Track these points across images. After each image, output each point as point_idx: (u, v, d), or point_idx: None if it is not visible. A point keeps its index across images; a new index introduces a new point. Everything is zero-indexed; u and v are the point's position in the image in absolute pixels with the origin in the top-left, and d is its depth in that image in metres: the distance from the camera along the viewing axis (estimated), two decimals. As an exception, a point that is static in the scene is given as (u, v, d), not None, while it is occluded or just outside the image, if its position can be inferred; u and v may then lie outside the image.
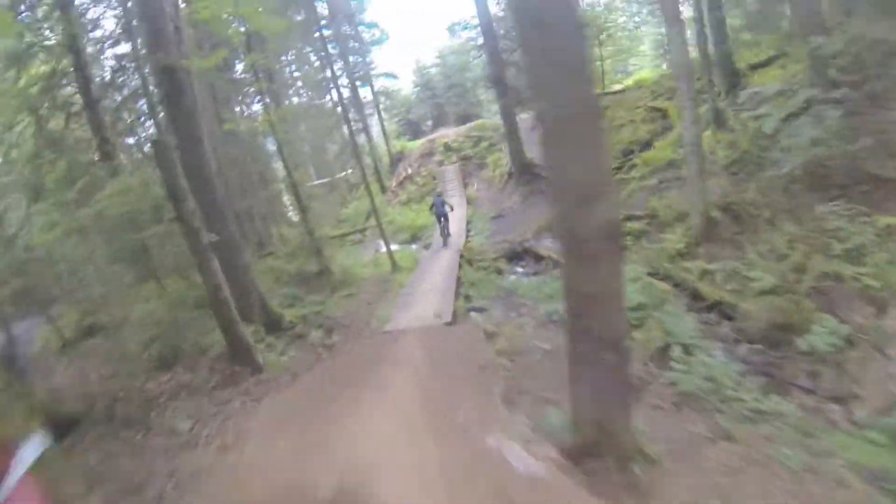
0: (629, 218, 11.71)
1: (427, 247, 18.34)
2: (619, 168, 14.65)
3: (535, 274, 12.75)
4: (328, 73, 24.50)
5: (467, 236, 17.15)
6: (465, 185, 22.71)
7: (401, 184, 26.76)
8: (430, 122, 39.58)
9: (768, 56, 13.71)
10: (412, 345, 8.27)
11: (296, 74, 34.28)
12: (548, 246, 13.74)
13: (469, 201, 21.11)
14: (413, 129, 38.50)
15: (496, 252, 14.76)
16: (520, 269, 13.56)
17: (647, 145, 15.55)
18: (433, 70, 38.44)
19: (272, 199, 24.04)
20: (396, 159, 30.88)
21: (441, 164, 24.80)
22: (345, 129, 35.06)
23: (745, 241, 8.71)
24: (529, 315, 9.66)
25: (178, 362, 9.25)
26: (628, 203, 13.02)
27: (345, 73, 27.81)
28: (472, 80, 36.50)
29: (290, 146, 29.64)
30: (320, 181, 35.22)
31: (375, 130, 33.52)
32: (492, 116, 29.07)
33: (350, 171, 37.47)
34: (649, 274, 9.32)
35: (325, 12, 27.83)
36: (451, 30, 27.80)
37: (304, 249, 15.93)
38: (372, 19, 31.24)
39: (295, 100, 35.62)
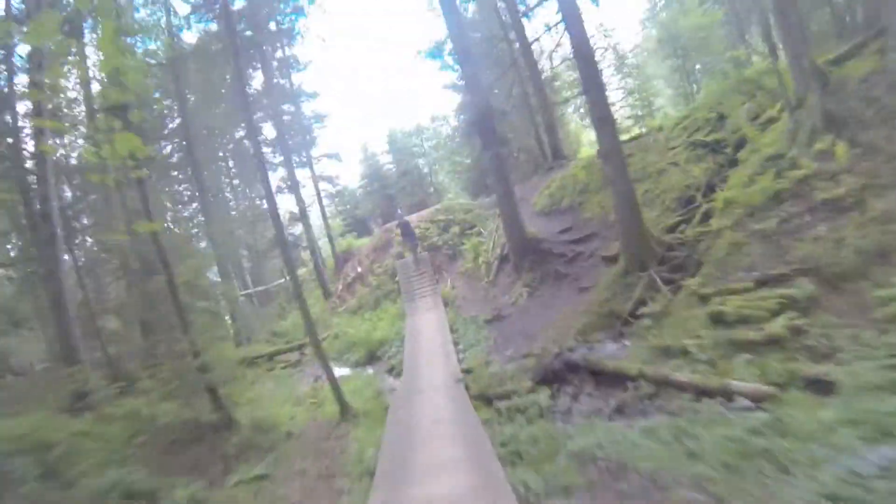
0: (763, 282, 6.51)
1: (394, 372, 12.09)
2: (684, 220, 11.12)
3: (617, 412, 6.87)
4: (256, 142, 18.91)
5: (459, 356, 11.07)
6: (437, 282, 16.93)
7: (349, 287, 20.69)
8: (379, 219, 34.63)
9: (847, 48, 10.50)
10: None
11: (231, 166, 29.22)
12: (614, 355, 8.13)
13: (446, 302, 15.23)
14: (360, 227, 33.25)
15: (518, 374, 8.88)
16: (578, 404, 7.66)
17: (710, 188, 11.42)
18: (381, 158, 34.18)
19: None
20: (342, 259, 25.07)
21: (401, 256, 19.14)
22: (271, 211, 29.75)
23: None
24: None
25: None
26: (731, 262, 8.58)
27: (279, 148, 22.56)
28: (427, 163, 32.39)
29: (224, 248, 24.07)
30: (255, 289, 29.61)
31: (317, 224, 27.89)
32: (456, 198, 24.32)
33: (288, 277, 31.78)
34: None
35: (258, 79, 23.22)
36: (424, 55, 22.83)
37: (186, 384, 9.32)
38: (313, 89, 26.85)
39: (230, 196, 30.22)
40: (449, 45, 18.40)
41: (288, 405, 12.13)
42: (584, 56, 10.77)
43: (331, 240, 27.17)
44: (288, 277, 33.23)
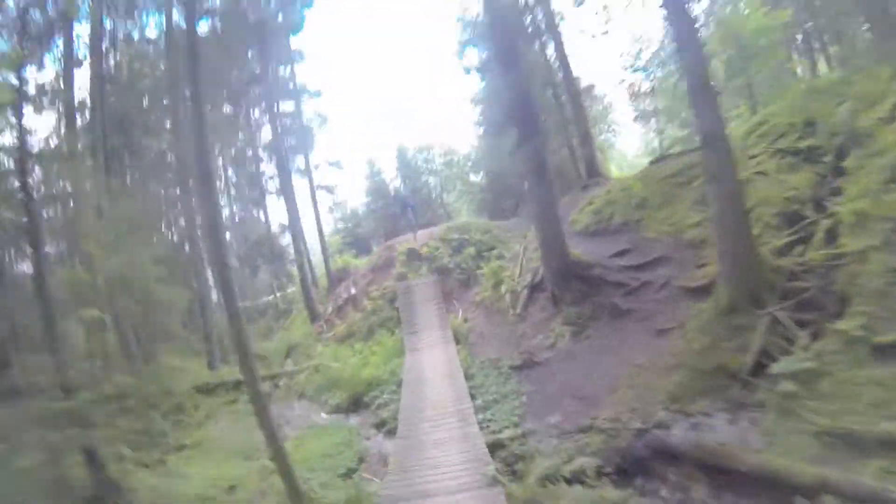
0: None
1: (385, 428, 8.82)
2: (798, 240, 7.92)
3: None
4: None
5: (479, 417, 7.74)
6: (447, 311, 13.65)
7: (339, 310, 17.39)
8: (382, 240, 31.52)
9: None
10: None
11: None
12: (740, 441, 5.03)
13: (457, 337, 11.93)
14: (361, 247, 30.10)
15: (571, 459, 5.63)
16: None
17: (819, 203, 8.31)
18: (388, 174, 31.37)
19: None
20: (336, 279, 21.86)
21: (403, 278, 15.89)
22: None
23: None
24: None
25: None
26: None
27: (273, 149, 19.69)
28: (438, 182, 29.52)
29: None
30: (242, 304, 26.80)
31: (312, 238, 24.81)
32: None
33: (278, 294, 28.76)
34: None
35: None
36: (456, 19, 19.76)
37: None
38: (316, 88, 24.15)
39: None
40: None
41: (233, 463, 8.89)
42: (675, 6, 7.84)
43: (325, 256, 24.01)
44: (278, 294, 30.47)
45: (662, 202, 11.71)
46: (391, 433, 8.35)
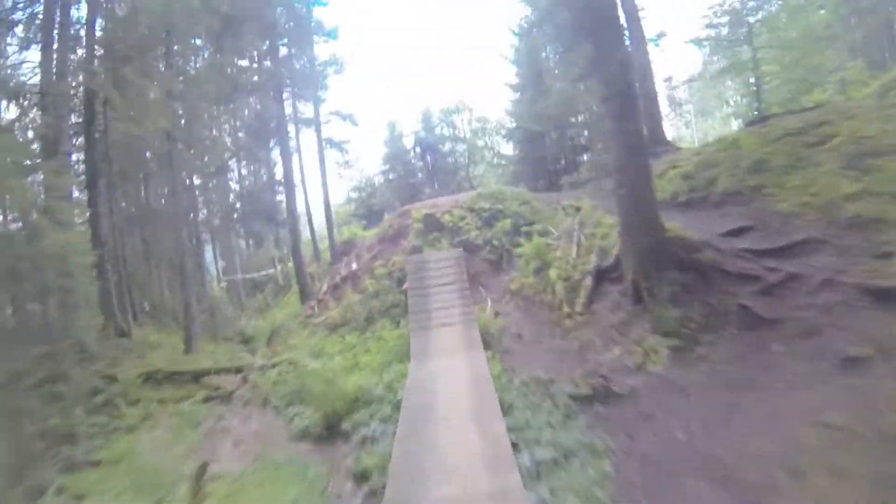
0: None
1: (367, 486, 5.33)
2: None
3: None
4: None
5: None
6: (472, 302, 10.11)
7: (336, 289, 14.05)
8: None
9: None
10: None
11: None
12: None
13: (486, 340, 8.40)
14: (375, 220, 26.69)
15: None
16: None
17: None
18: (407, 141, 27.79)
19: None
20: (340, 251, 18.61)
21: (417, 251, 12.42)
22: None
23: None
24: None
25: None
26: None
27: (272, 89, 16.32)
28: (465, 150, 25.83)
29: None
30: (239, 276, 24.67)
31: (318, 205, 21.52)
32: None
33: (279, 266, 25.88)
34: None
35: None
36: None
37: None
38: (332, 25, 20.51)
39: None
40: None
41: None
42: None
43: (330, 225, 20.69)
44: (278, 266, 27.39)
45: (789, 165, 8.07)
46: (374, 498, 4.99)
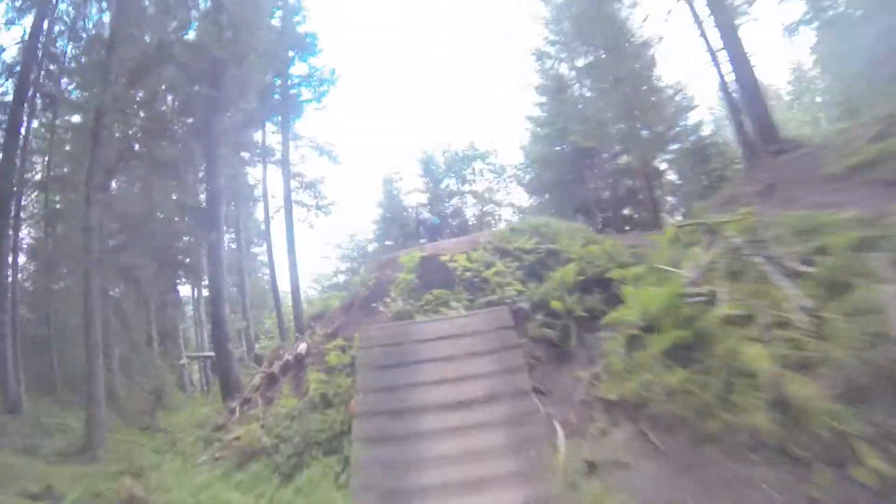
0: None
1: None
2: None
3: None
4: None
5: None
6: (529, 446, 4.19)
7: (272, 383, 8.23)
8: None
9: None
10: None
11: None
12: None
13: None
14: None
15: None
16: None
17: None
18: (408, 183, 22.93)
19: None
20: (307, 328, 12.85)
21: (406, 317, 6.68)
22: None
23: None
24: None
25: None
26: None
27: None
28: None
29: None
30: (198, 354, 21.11)
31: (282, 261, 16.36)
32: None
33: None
34: None
35: None
36: None
37: None
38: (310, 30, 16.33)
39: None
40: None
41: None
42: None
43: (296, 291, 15.09)
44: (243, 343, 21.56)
45: None
46: None
